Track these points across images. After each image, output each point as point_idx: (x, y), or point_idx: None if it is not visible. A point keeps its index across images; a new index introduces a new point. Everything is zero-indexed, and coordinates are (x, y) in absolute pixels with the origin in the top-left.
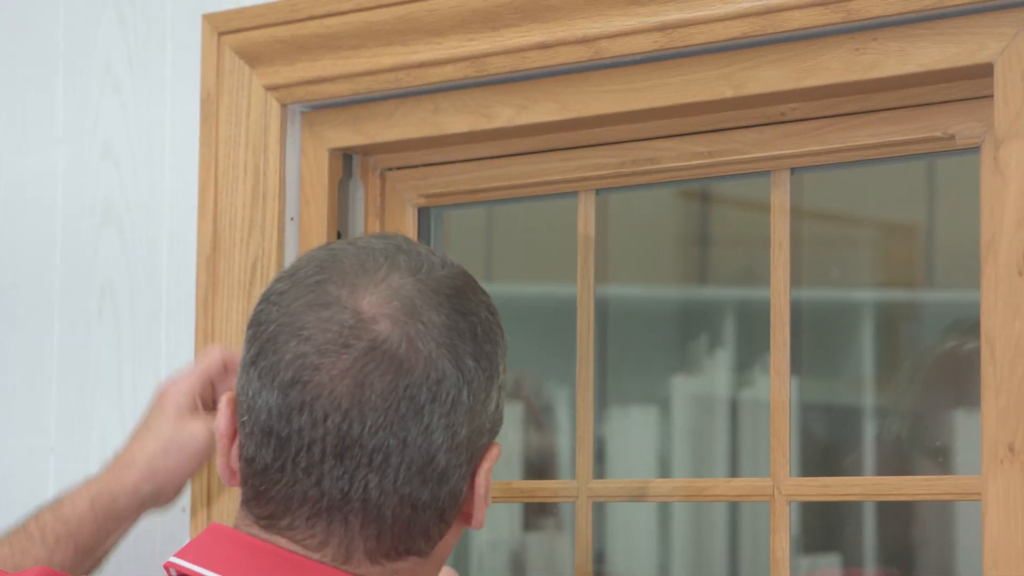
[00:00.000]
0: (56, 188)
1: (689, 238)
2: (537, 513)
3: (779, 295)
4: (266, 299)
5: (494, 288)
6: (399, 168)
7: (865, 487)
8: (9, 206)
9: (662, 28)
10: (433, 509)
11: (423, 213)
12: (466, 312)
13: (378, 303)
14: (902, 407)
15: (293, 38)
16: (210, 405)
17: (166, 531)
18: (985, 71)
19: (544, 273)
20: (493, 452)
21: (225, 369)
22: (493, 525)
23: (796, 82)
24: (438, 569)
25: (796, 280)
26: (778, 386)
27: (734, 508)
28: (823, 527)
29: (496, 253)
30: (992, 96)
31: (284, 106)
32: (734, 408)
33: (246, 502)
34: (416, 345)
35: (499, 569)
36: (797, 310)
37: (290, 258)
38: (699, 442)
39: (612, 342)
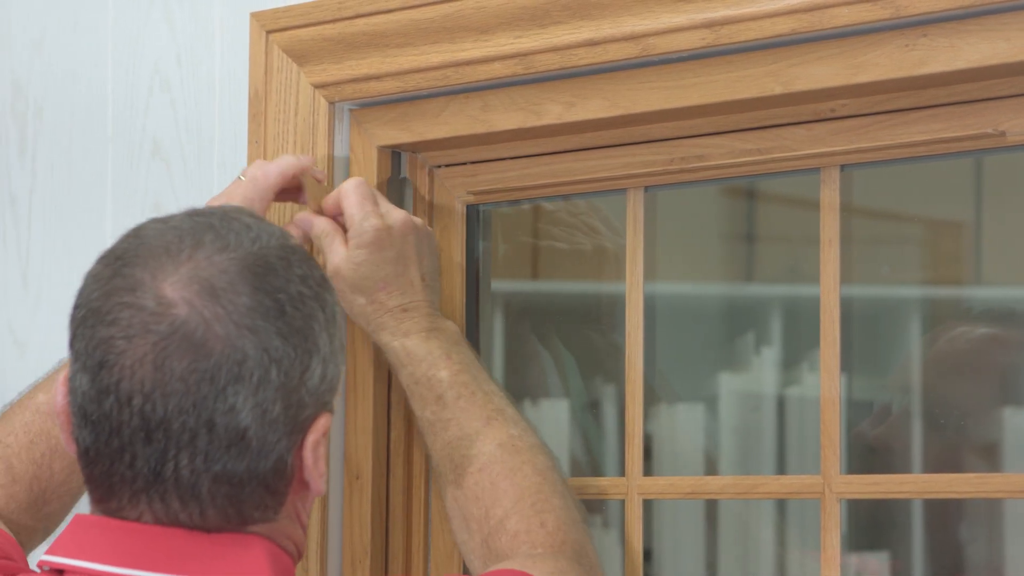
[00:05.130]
0: (105, 190)
1: (737, 235)
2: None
3: (829, 292)
4: (84, 280)
5: (540, 285)
6: (448, 165)
7: (916, 484)
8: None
9: (710, 25)
10: (256, 483)
11: (472, 210)
12: (272, 290)
13: (179, 286)
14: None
15: (341, 36)
16: None
17: None
18: None
19: (592, 271)
20: (320, 423)
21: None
22: None
23: (845, 79)
24: (299, 528)
25: (845, 277)
26: (828, 383)
27: (781, 505)
28: (871, 524)
29: (543, 250)
30: None
31: (332, 104)
32: (781, 405)
33: (86, 484)
34: (214, 328)
35: None
36: (846, 307)
37: None
38: (746, 439)
39: (660, 339)
